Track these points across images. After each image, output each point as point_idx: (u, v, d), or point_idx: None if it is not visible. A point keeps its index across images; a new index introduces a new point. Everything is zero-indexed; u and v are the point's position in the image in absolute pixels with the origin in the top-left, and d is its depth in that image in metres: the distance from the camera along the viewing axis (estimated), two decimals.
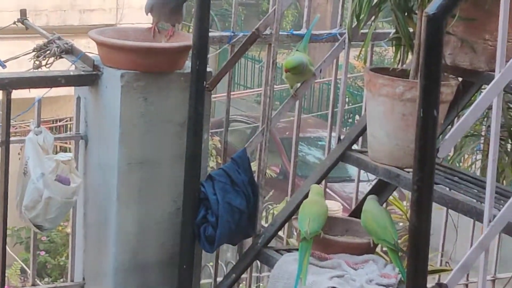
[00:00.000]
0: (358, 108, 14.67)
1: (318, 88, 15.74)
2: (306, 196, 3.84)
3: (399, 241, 3.66)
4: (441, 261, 4.67)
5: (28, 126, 4.17)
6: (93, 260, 4.04)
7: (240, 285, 5.90)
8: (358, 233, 3.85)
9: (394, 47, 3.83)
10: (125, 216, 3.86)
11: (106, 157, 3.86)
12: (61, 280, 9.60)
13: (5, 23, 4.06)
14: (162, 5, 3.94)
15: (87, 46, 4.11)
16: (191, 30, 3.89)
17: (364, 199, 4.01)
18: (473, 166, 4.91)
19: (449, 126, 4.00)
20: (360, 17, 3.72)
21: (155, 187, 3.88)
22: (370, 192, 4.09)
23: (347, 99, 14.20)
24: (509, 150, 4.26)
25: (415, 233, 2.89)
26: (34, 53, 3.97)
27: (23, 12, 4.24)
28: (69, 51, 3.97)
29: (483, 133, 4.50)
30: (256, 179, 3.96)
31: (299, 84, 4.09)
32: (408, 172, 3.53)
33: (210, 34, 3.86)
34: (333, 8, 16.87)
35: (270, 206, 8.91)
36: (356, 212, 4.00)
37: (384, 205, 4.18)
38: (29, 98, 3.98)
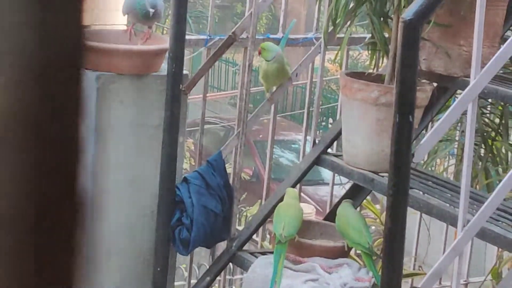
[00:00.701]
0: (332, 110, 14.71)
1: (292, 91, 15.77)
2: (281, 200, 3.84)
3: (373, 245, 3.67)
4: (414, 265, 4.68)
5: None
6: None
7: None
8: (333, 236, 3.86)
9: (369, 52, 3.85)
10: (99, 219, 3.84)
11: None
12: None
13: None
14: None
15: None
16: (165, 32, 3.88)
17: (339, 202, 4.02)
18: (446, 171, 4.93)
19: (424, 131, 4.02)
20: (337, 22, 3.73)
21: (130, 190, 3.87)
22: (345, 195, 4.10)
23: (321, 102, 14.18)
24: (482, 155, 4.29)
25: (390, 238, 2.91)
26: None
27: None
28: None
29: (457, 138, 4.52)
30: (231, 182, 3.96)
31: (274, 88, 4.10)
32: (383, 176, 3.54)
33: (187, 37, 3.86)
34: (307, 12, 16.90)
35: (243, 208, 8.91)
36: (331, 216, 4.01)
37: (358, 208, 4.19)
38: None
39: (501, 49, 3.22)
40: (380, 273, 3.08)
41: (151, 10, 3.84)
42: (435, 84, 3.81)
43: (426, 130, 3.97)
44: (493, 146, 4.28)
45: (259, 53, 3.98)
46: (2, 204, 0.60)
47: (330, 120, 14.80)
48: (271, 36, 4.28)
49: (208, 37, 4.09)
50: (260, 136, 11.82)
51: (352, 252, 3.89)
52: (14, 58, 0.58)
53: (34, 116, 0.59)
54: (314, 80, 4.37)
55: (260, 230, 4.26)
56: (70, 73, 0.59)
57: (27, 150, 0.59)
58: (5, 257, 0.59)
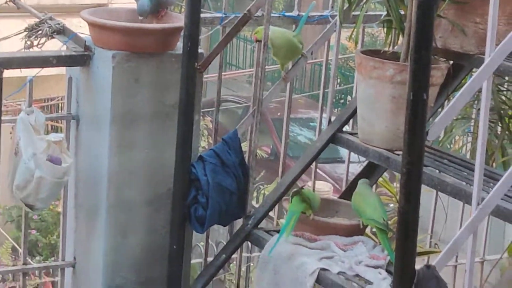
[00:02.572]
0: (350, 89, 14.67)
1: (310, 69, 15.74)
2: (297, 178, 3.86)
3: (389, 222, 3.67)
4: (430, 242, 4.69)
5: (19, 105, 4.16)
6: (84, 240, 4.05)
7: (231, 265, 5.92)
8: (348, 214, 3.87)
9: (385, 30, 3.84)
10: (116, 197, 3.87)
11: (97, 138, 3.87)
12: (52, 259, 9.61)
13: None
14: None
15: (79, 26, 4.11)
16: (183, 10, 3.89)
17: (355, 180, 4.03)
18: (463, 148, 4.92)
19: (439, 109, 4.02)
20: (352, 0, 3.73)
21: (146, 168, 3.89)
22: (360, 173, 4.11)
23: (338, 80, 14.19)
24: (499, 132, 4.28)
25: (404, 215, 2.91)
26: (25, 33, 3.96)
27: None
28: (61, 32, 3.96)
29: (473, 116, 4.51)
30: (246, 160, 3.97)
31: (290, 66, 4.10)
32: (398, 154, 3.54)
33: (202, 15, 3.86)
34: None
35: (261, 186, 8.92)
36: (347, 194, 4.01)
37: (374, 186, 4.20)
38: (19, 78, 3.98)
39: None
40: (394, 251, 3.09)
41: None
42: (450, 62, 3.80)
43: (442, 108, 3.96)
44: (510, 124, 4.27)
45: (255, 40, 3.97)
46: None
47: (348, 98, 14.76)
48: (287, 14, 4.28)
49: (224, 15, 4.09)
50: (278, 114, 11.82)
51: (367, 231, 3.90)
52: None
53: None
54: (330, 58, 4.37)
55: (276, 207, 4.27)
56: None
57: None
58: None
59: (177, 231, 3.89)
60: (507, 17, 3.64)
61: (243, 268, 4.51)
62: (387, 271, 3.47)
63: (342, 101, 14.92)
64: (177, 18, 3.95)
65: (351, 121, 4.15)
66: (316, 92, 14.69)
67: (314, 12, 4.42)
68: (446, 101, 4.04)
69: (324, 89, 4.34)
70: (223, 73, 4.28)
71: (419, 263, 3.09)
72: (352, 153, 4.24)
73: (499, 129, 4.30)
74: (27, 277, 4.29)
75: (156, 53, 3.83)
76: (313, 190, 4.36)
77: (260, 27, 3.93)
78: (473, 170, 3.25)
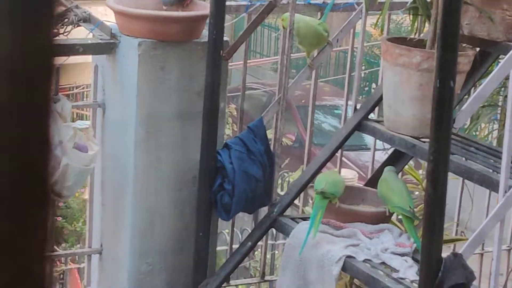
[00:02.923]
0: (375, 76, 14.63)
1: (334, 56, 15.71)
2: (323, 165, 3.85)
3: (415, 209, 3.67)
4: (457, 230, 4.68)
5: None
6: (111, 227, 4.07)
7: (256, 252, 5.93)
8: (374, 202, 3.87)
9: (411, 17, 3.83)
10: (142, 184, 3.88)
11: (124, 125, 3.88)
12: (78, 246, 9.66)
13: None
14: None
15: (104, 14, 4.12)
16: None
17: (380, 168, 4.03)
18: (490, 136, 4.90)
19: (466, 96, 4.00)
20: None
21: (172, 155, 3.90)
22: (386, 161, 4.10)
23: (363, 67, 14.15)
24: None
25: (430, 203, 2.91)
26: None
27: None
28: (87, 20, 3.98)
29: (500, 103, 4.49)
30: (272, 148, 3.97)
31: (315, 54, 4.09)
32: (424, 142, 3.53)
33: (227, 2, 3.86)
34: None
35: (285, 174, 8.92)
36: (372, 181, 4.01)
37: (400, 174, 4.19)
38: None
39: None
40: (420, 239, 3.09)
41: None
42: (477, 49, 3.79)
43: (469, 96, 3.95)
44: None
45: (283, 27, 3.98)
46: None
47: (373, 85, 14.73)
48: (312, 1, 4.27)
49: (249, 3, 4.09)
50: (303, 101, 11.78)
51: (393, 218, 3.90)
52: None
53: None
54: (355, 45, 4.36)
55: (302, 195, 4.28)
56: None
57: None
58: None
59: (203, 218, 3.90)
60: None
61: (268, 256, 4.51)
62: (413, 259, 3.47)
63: (366, 88, 14.86)
64: (202, 6, 3.95)
65: (376, 108, 4.13)
66: (341, 76, 14.69)
67: None
68: (473, 88, 4.03)
69: (349, 76, 4.33)
70: (248, 61, 4.28)
71: (445, 251, 3.09)
72: (377, 141, 4.23)
73: None
74: (53, 264, 4.30)
75: (182, 41, 3.84)
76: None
77: (286, 13, 3.93)
78: (500, 158, 3.24)
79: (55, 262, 4.51)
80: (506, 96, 3.71)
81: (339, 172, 4.45)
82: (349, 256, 3.50)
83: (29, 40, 0.58)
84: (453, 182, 3.57)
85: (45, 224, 0.56)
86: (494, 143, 4.42)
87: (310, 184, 3.96)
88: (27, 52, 0.58)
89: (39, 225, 0.56)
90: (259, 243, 4.15)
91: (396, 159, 4.09)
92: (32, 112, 0.57)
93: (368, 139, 4.37)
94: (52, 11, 0.58)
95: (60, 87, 3.94)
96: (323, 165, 3.99)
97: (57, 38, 0.59)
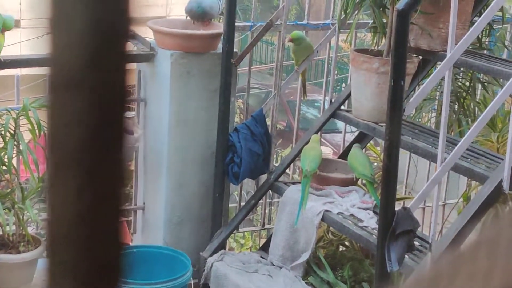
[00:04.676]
0: (344, 78, 14.59)
1: (315, 63, 15.67)
2: (307, 143, 3.85)
3: (375, 176, 3.66)
4: (405, 191, 4.68)
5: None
6: (151, 189, 4.07)
7: (257, 208, 5.94)
8: (345, 170, 3.86)
9: (372, 34, 3.81)
10: (173, 158, 3.88)
11: (160, 115, 3.88)
12: (127, 204, 9.68)
13: None
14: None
15: (145, 33, 4.10)
16: (221, 21, 3.88)
17: (349, 145, 4.02)
18: (429, 122, 4.89)
19: (412, 92, 3.99)
20: (347, 11, 3.70)
21: (196, 137, 3.90)
22: (354, 141, 4.09)
23: (336, 72, 14.06)
24: (456, 110, 4.24)
25: (386, 171, 2.91)
26: None
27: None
28: (133, 36, 3.96)
29: (437, 97, 4.48)
30: (269, 131, 3.97)
31: (302, 62, 4.07)
32: (382, 126, 3.53)
33: (236, 24, 3.85)
34: (326, 4, 16.71)
35: (279, 150, 8.90)
36: (343, 155, 4.00)
37: (364, 149, 4.18)
38: None
39: (469, 31, 3.19)
40: (379, 197, 3.09)
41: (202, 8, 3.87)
42: (420, 57, 3.77)
43: (414, 92, 3.94)
44: (464, 103, 4.24)
45: (290, 40, 3.96)
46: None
47: (344, 85, 14.70)
48: (299, 22, 4.25)
49: (252, 24, 4.07)
50: (292, 97, 11.74)
51: (359, 182, 3.89)
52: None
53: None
54: (330, 55, 4.34)
55: (291, 166, 4.27)
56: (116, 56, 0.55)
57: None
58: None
59: (219, 183, 3.90)
60: (462, 24, 3.61)
61: (267, 210, 4.51)
62: (374, 212, 3.47)
63: (339, 87, 14.82)
64: (218, 26, 3.94)
65: (346, 101, 4.13)
66: (320, 80, 14.64)
67: (318, 21, 4.40)
68: (417, 86, 4.02)
69: (326, 78, 4.32)
70: (251, 67, 4.27)
71: (397, 206, 3.09)
72: (347, 125, 4.22)
73: (456, 107, 4.27)
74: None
75: (203, 52, 3.83)
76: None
77: (296, 32, 3.94)
78: (437, 137, 3.24)
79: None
80: (441, 92, 3.70)
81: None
82: (326, 210, 3.50)
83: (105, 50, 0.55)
84: (403, 155, 3.56)
85: (121, 160, 0.54)
86: (433, 127, 4.40)
87: (297, 158, 3.96)
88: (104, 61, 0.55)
89: (118, 161, 0.54)
90: (260, 201, 4.15)
91: (361, 139, 4.09)
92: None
93: (340, 124, 4.34)
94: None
95: None
96: (306, 143, 3.98)
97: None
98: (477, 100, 4.30)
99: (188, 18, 4.01)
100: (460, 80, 4.37)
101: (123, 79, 0.53)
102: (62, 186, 0.51)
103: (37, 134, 3.36)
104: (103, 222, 0.52)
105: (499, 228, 0.52)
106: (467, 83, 4.29)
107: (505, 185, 3.06)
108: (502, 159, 3.16)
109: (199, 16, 3.91)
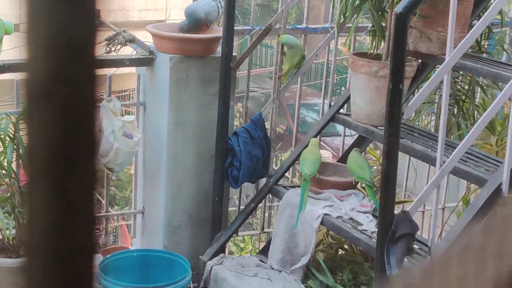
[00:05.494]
0: (343, 82, 14.59)
1: (314, 67, 15.66)
2: (306, 147, 3.85)
3: (374, 179, 3.66)
4: (405, 194, 4.68)
5: (102, 95, 4.17)
6: (150, 194, 4.07)
7: (257, 212, 5.94)
8: (344, 174, 3.86)
9: (371, 37, 3.82)
10: (172, 162, 3.88)
11: (159, 119, 3.88)
12: (127, 208, 9.66)
13: None
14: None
15: (145, 37, 4.11)
16: (221, 24, 3.88)
17: (348, 149, 4.02)
18: (429, 125, 4.89)
19: (411, 96, 3.99)
20: (346, 15, 3.70)
21: (195, 140, 3.90)
22: (353, 144, 4.09)
23: (335, 75, 14.08)
24: (455, 113, 4.25)
25: (385, 174, 2.91)
26: (106, 42, 3.97)
27: (97, 12, 4.22)
28: (132, 41, 3.97)
29: (436, 101, 4.48)
30: (269, 134, 3.97)
31: (294, 71, 4.03)
32: (381, 129, 3.52)
33: (235, 27, 3.85)
34: (325, 7, 16.72)
35: (278, 154, 8.90)
36: (343, 159, 4.00)
37: (363, 153, 4.18)
38: (102, 75, 3.98)
39: (468, 34, 3.19)
40: (378, 201, 3.09)
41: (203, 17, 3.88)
42: (419, 61, 3.78)
43: (413, 95, 3.94)
44: (463, 107, 4.24)
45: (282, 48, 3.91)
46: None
47: (343, 88, 14.70)
48: (298, 26, 4.25)
49: (251, 28, 4.07)
50: (291, 100, 11.75)
51: (358, 186, 3.89)
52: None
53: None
54: (330, 59, 4.35)
55: (291, 169, 4.27)
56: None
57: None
58: None
59: (218, 186, 3.90)
60: (461, 27, 3.61)
61: (266, 214, 4.51)
62: (373, 215, 3.47)
63: (338, 91, 14.83)
64: (217, 30, 3.95)
65: (345, 105, 4.13)
66: (319, 81, 14.65)
67: (317, 24, 4.40)
68: (416, 90, 4.02)
69: (325, 82, 4.32)
70: (251, 70, 4.27)
71: (396, 210, 3.09)
72: (346, 129, 4.22)
73: (455, 110, 4.27)
74: (108, 222, 4.30)
75: (202, 56, 3.83)
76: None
77: (283, 35, 3.90)
78: (436, 141, 3.24)
79: (109, 219, 4.52)
80: (441, 95, 3.70)
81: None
82: (326, 214, 3.50)
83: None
84: (402, 159, 3.56)
85: (93, 170, 0.55)
86: (432, 130, 4.40)
87: (297, 162, 3.96)
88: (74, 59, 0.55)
89: (89, 171, 0.55)
90: (260, 205, 4.15)
91: (360, 142, 4.09)
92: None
93: (339, 127, 4.35)
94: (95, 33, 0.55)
95: (112, 91, 3.92)
96: (305, 147, 3.98)
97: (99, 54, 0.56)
98: (476, 103, 4.30)
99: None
100: (459, 83, 4.37)
101: (93, 87, 0.53)
102: (37, 195, 0.52)
103: None
104: (75, 231, 0.53)
105: (471, 237, 0.52)
106: (466, 87, 4.29)
107: (504, 189, 3.06)
108: (501, 163, 3.16)
109: (194, 27, 3.91)
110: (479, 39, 4.00)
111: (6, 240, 3.49)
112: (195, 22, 3.89)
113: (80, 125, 0.53)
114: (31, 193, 0.52)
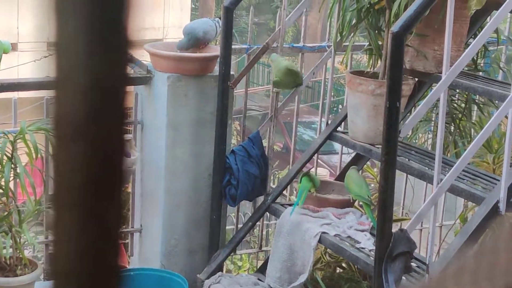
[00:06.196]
0: (341, 100, 14.62)
1: (311, 85, 15.73)
2: (304, 165, 3.84)
3: (372, 197, 3.67)
4: (402, 212, 4.67)
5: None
6: (148, 212, 4.06)
7: (255, 230, 5.93)
8: (341, 192, 3.86)
9: (367, 56, 3.83)
10: (170, 180, 3.88)
11: (157, 137, 3.88)
12: (124, 226, 9.64)
13: None
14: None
15: (142, 56, 4.12)
16: (218, 43, 3.89)
17: (346, 167, 4.02)
18: (426, 143, 4.90)
19: (408, 114, 4.00)
20: (343, 34, 3.72)
21: (192, 159, 3.90)
22: (350, 162, 4.10)
23: (333, 93, 14.06)
24: (452, 131, 4.26)
25: (383, 192, 2.91)
26: None
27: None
28: (129, 60, 3.97)
29: (433, 119, 4.49)
30: (266, 152, 3.97)
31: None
32: (378, 147, 3.53)
33: (232, 46, 3.86)
34: (322, 26, 16.78)
35: (276, 172, 8.90)
36: (340, 177, 4.01)
37: (360, 171, 4.18)
38: None
39: (464, 53, 3.20)
40: (376, 219, 3.08)
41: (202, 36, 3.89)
42: (416, 79, 3.79)
43: (410, 113, 3.95)
44: (460, 124, 4.25)
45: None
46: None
47: (340, 106, 14.73)
48: (294, 45, 4.27)
49: (249, 46, 4.09)
50: (288, 119, 11.76)
51: (356, 204, 3.89)
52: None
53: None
54: (327, 77, 4.36)
55: (288, 188, 4.27)
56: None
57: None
58: None
59: (216, 205, 3.90)
60: (457, 46, 3.63)
61: (264, 232, 4.50)
62: (371, 233, 3.47)
63: (335, 109, 14.86)
64: (214, 49, 3.96)
65: (343, 123, 4.13)
66: (317, 102, 14.67)
67: (314, 43, 4.42)
68: (413, 108, 4.03)
69: (322, 100, 4.33)
70: (248, 89, 4.28)
71: (394, 228, 3.09)
72: (344, 147, 4.23)
73: (452, 128, 4.28)
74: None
75: (199, 75, 3.84)
76: (315, 174, 4.34)
77: (273, 54, 3.88)
78: (433, 159, 3.25)
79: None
80: (437, 114, 3.71)
81: (316, 170, 4.45)
82: (323, 232, 3.49)
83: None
84: (399, 177, 3.57)
85: (120, 199, 0.58)
86: (429, 148, 4.41)
87: (294, 180, 3.96)
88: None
89: (117, 200, 0.57)
90: (257, 223, 4.15)
91: (358, 160, 4.09)
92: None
93: (337, 145, 4.35)
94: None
95: None
96: (303, 165, 3.99)
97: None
98: (472, 121, 4.31)
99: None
100: (456, 101, 4.39)
101: (122, 125, 0.56)
102: (65, 227, 0.54)
103: (34, 157, 3.36)
104: (101, 260, 0.54)
105: (465, 259, 0.53)
106: (463, 105, 4.31)
107: (502, 206, 3.06)
108: (498, 180, 3.17)
109: (193, 45, 3.93)
110: (475, 58, 4.02)
111: (3, 259, 3.48)
112: (194, 41, 3.91)
113: (109, 161, 0.54)
114: (59, 224, 0.54)
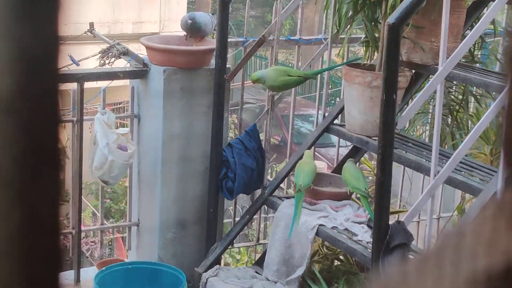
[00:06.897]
0: (338, 92, 14.61)
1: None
2: (301, 158, 3.84)
3: (369, 190, 3.66)
4: (399, 204, 4.67)
5: (96, 108, 4.17)
6: (145, 205, 4.06)
7: (252, 223, 5.93)
8: (339, 184, 3.86)
9: (364, 48, 3.83)
10: (167, 174, 3.88)
11: (153, 131, 3.88)
12: (122, 220, 9.64)
13: (79, 32, 4.07)
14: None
15: (139, 49, 4.11)
16: (215, 37, 3.88)
17: (343, 159, 4.02)
18: (423, 135, 4.89)
19: (405, 106, 4.00)
20: (340, 26, 3.71)
21: (189, 152, 3.89)
22: (347, 155, 4.09)
23: (329, 86, 14.05)
24: (449, 123, 4.25)
25: (380, 184, 2.91)
26: (100, 54, 3.97)
27: (91, 24, 4.23)
28: (126, 53, 3.97)
29: (430, 111, 4.48)
30: (263, 145, 3.97)
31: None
32: (375, 140, 3.53)
33: (229, 39, 3.85)
34: (319, 18, 16.75)
35: (274, 165, 8.90)
36: (337, 170, 4.00)
37: (358, 164, 4.18)
38: (96, 88, 3.98)
39: (461, 44, 3.20)
40: (373, 211, 3.08)
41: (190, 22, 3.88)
42: (413, 71, 3.78)
43: (407, 105, 3.94)
44: (457, 116, 4.24)
45: (253, 82, 3.83)
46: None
47: (337, 99, 14.71)
48: (291, 38, 4.26)
49: (245, 39, 4.08)
50: (286, 111, 11.76)
51: (353, 196, 3.89)
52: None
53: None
54: None
55: (286, 180, 4.27)
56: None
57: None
58: None
59: (213, 198, 3.90)
60: (454, 37, 3.62)
61: (262, 225, 4.50)
62: (368, 226, 3.47)
63: (332, 101, 14.84)
64: (211, 42, 3.95)
65: (340, 115, 4.13)
66: (313, 94, 14.66)
67: (311, 36, 4.41)
68: (410, 100, 4.02)
69: (319, 93, 4.32)
70: (245, 82, 4.27)
71: (391, 220, 3.09)
72: (341, 139, 4.22)
73: (449, 120, 4.28)
74: (103, 234, 4.29)
75: (196, 68, 3.83)
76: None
77: (254, 73, 3.79)
78: (430, 151, 3.24)
79: (104, 232, 4.51)
80: (434, 105, 3.70)
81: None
82: (321, 225, 3.49)
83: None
84: (396, 169, 3.56)
85: (56, 179, 0.56)
86: (426, 140, 4.41)
87: (291, 173, 3.96)
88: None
89: (53, 180, 0.55)
90: (255, 216, 4.15)
91: (355, 153, 4.09)
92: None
93: (334, 138, 4.34)
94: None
95: (106, 104, 3.92)
96: (300, 158, 3.98)
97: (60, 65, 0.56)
98: (470, 113, 4.31)
99: (182, 34, 4.02)
100: (453, 93, 4.38)
101: (55, 101, 0.53)
102: (1, 204, 0.53)
103: None
104: (39, 238, 0.54)
105: (447, 238, 0.53)
106: (460, 96, 4.30)
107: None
108: (496, 172, 3.17)
109: (195, 30, 3.92)
110: (472, 49, 4.01)
111: None
112: (198, 27, 3.90)
113: (43, 138, 0.53)
114: None
